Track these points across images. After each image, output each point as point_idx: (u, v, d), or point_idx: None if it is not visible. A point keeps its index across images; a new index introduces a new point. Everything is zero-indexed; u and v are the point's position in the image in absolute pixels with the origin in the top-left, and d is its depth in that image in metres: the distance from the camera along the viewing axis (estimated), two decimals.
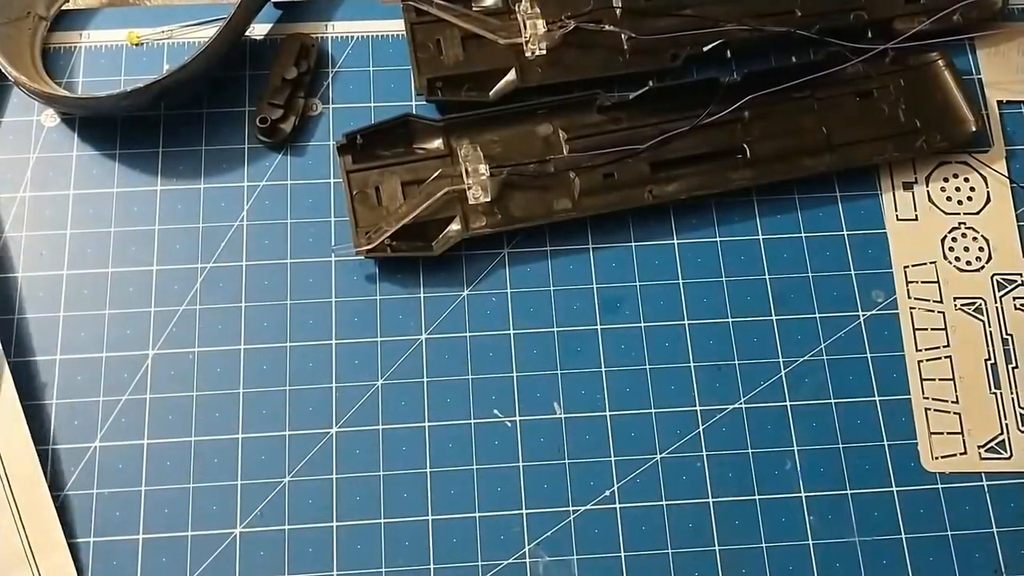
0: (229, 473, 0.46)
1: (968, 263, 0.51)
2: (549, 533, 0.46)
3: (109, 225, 0.50)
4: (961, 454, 0.48)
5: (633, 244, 0.51)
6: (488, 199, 0.49)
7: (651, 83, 0.52)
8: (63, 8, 0.54)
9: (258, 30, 0.54)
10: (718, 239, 0.51)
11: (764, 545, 0.46)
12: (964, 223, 0.52)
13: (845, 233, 0.51)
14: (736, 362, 0.49)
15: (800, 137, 0.52)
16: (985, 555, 0.46)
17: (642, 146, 0.51)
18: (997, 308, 0.50)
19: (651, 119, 0.52)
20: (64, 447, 0.46)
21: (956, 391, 0.49)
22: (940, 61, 0.54)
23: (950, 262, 0.51)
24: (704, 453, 0.47)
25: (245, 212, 0.50)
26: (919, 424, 0.48)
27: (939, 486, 0.47)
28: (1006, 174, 0.53)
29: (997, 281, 0.51)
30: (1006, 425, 0.48)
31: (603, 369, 0.48)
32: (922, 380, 0.49)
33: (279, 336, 0.48)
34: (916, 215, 0.52)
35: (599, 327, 0.49)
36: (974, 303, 0.51)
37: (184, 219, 0.50)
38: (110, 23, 0.54)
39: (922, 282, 0.51)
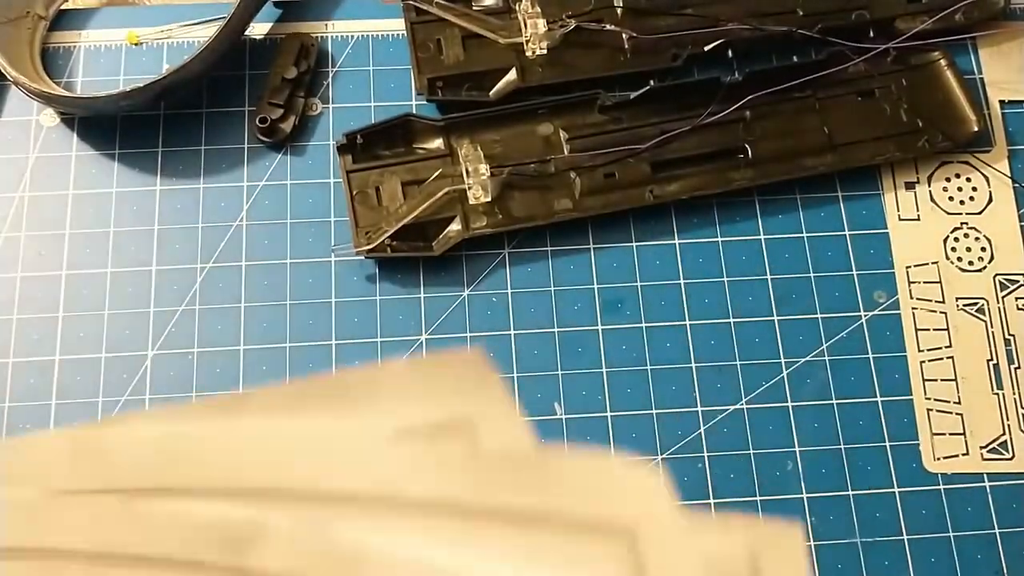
0: None
1: (970, 263, 0.51)
2: None
3: (108, 225, 0.50)
4: (963, 455, 0.48)
5: (634, 244, 0.51)
6: (488, 199, 0.49)
7: (652, 83, 0.52)
8: (62, 7, 0.54)
9: (258, 30, 0.54)
10: (719, 239, 0.51)
11: None
12: (966, 223, 0.52)
13: (847, 233, 0.51)
14: (738, 362, 0.49)
15: (802, 137, 0.52)
16: (987, 556, 0.46)
17: (643, 146, 0.51)
18: (999, 308, 0.50)
19: (652, 119, 0.52)
20: None
21: (958, 392, 0.49)
22: (942, 61, 0.54)
23: (952, 262, 0.51)
24: (705, 454, 0.47)
25: (245, 212, 0.50)
26: (921, 425, 0.48)
27: (941, 487, 0.47)
28: (1008, 174, 0.53)
29: (999, 281, 0.51)
30: (1008, 426, 0.48)
31: (604, 370, 0.48)
32: (924, 381, 0.49)
33: (279, 336, 0.48)
34: (918, 215, 0.52)
35: (600, 327, 0.49)
36: (976, 303, 0.50)
37: (184, 219, 0.50)
38: (110, 22, 0.54)
39: (924, 282, 0.51)
